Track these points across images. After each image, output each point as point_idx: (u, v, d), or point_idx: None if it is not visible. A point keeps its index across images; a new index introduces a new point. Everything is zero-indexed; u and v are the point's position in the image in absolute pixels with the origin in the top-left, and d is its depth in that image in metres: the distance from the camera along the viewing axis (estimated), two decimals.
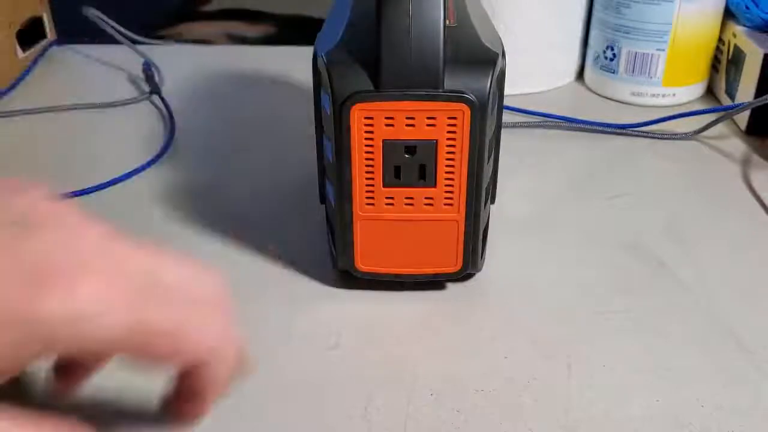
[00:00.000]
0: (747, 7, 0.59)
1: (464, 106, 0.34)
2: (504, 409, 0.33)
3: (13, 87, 0.66)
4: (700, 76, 0.63)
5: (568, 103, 0.64)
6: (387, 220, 0.38)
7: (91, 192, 0.50)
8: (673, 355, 0.36)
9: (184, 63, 0.72)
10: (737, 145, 0.56)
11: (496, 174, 0.41)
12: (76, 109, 0.62)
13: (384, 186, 0.37)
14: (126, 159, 0.54)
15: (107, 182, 0.51)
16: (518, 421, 0.33)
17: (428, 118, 0.35)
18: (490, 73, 0.35)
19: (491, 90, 0.35)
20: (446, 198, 0.37)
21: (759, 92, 0.56)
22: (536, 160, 0.54)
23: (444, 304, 0.40)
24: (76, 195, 0.49)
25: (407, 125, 0.35)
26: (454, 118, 0.35)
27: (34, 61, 0.70)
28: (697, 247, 0.44)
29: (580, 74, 0.68)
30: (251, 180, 0.51)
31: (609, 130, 0.58)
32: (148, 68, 0.67)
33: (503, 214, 0.47)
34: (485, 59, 0.35)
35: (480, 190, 0.37)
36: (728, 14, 0.62)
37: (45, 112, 0.62)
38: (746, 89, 0.58)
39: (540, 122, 0.59)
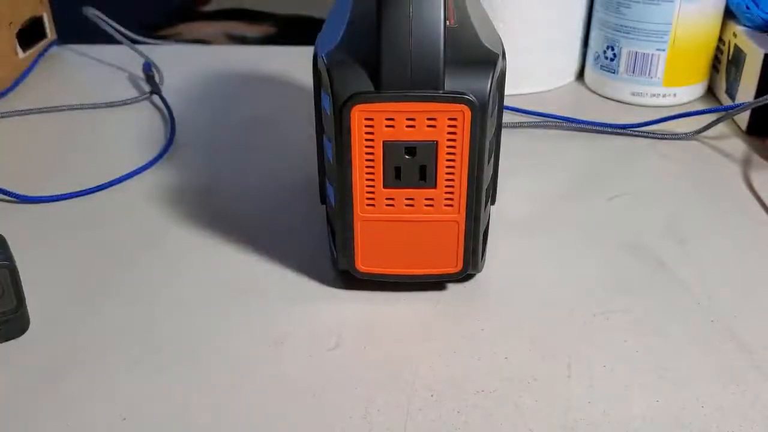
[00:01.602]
0: (747, 7, 0.59)
1: (464, 107, 0.34)
2: (504, 409, 0.33)
3: (13, 87, 0.66)
4: (700, 76, 0.63)
5: (568, 103, 0.64)
6: (387, 221, 0.38)
7: (92, 192, 0.50)
8: (673, 355, 0.36)
9: (184, 63, 0.72)
10: (737, 145, 0.56)
11: (497, 175, 0.41)
12: (76, 109, 0.62)
13: (384, 187, 0.37)
14: (126, 159, 0.54)
15: (108, 182, 0.51)
16: (518, 421, 0.33)
17: (429, 119, 0.35)
18: (491, 74, 0.35)
19: (491, 91, 0.35)
20: (446, 199, 0.37)
21: (759, 92, 0.56)
22: (536, 160, 0.54)
23: (444, 304, 0.40)
24: (77, 195, 0.49)
25: (408, 126, 0.35)
26: (455, 119, 0.35)
27: (34, 61, 0.70)
28: (697, 247, 0.44)
29: (580, 74, 0.68)
30: (251, 180, 0.51)
31: (609, 130, 0.58)
32: (149, 68, 0.67)
33: (504, 214, 0.47)
34: (485, 60, 0.35)
35: (480, 191, 0.37)
36: (728, 14, 0.62)
37: (45, 112, 0.62)
38: (746, 89, 0.58)
39: (540, 122, 0.59)
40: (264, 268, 0.42)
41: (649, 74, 0.61)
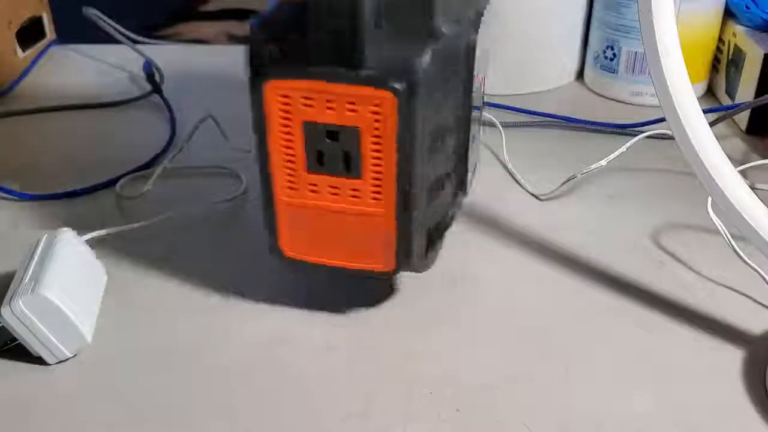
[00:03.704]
0: (747, 7, 0.59)
1: (388, 94, 0.29)
2: (503, 408, 0.33)
3: (13, 87, 0.66)
4: (700, 76, 0.63)
5: (567, 102, 0.64)
6: (312, 208, 0.34)
7: (92, 192, 0.50)
8: (673, 355, 0.36)
9: (184, 63, 0.71)
10: (737, 145, 0.56)
11: (466, 162, 0.37)
12: (76, 109, 0.62)
13: (308, 171, 0.33)
14: (126, 159, 0.54)
15: (107, 181, 0.51)
16: (517, 420, 0.33)
17: (349, 103, 0.30)
18: (427, 52, 0.29)
19: (427, 72, 0.30)
20: (374, 191, 0.32)
21: (759, 92, 0.56)
22: (536, 160, 0.54)
23: (443, 303, 0.40)
24: (77, 194, 0.49)
25: (328, 108, 0.31)
26: (378, 105, 0.30)
27: (34, 61, 0.70)
28: (697, 246, 0.44)
29: (580, 74, 0.68)
30: (251, 179, 0.51)
31: (609, 130, 0.58)
32: (149, 68, 0.67)
33: (503, 213, 0.47)
34: (423, 33, 0.30)
35: (414, 186, 0.32)
36: (728, 14, 0.62)
37: (45, 112, 0.62)
38: (746, 89, 0.58)
39: (540, 122, 0.59)
40: (264, 266, 0.42)
41: (648, 74, 0.61)
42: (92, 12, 0.70)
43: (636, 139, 0.51)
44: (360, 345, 0.37)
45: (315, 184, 0.33)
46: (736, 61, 0.60)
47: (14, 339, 0.35)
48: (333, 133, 0.31)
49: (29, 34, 0.70)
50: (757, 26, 0.59)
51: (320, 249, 0.35)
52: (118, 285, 0.41)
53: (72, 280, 0.36)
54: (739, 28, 0.60)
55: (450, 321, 0.38)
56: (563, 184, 0.49)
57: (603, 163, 0.48)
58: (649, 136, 0.54)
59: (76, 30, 0.73)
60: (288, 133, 0.32)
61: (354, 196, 0.33)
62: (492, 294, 0.40)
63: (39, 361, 0.35)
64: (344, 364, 0.36)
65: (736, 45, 0.60)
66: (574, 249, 0.44)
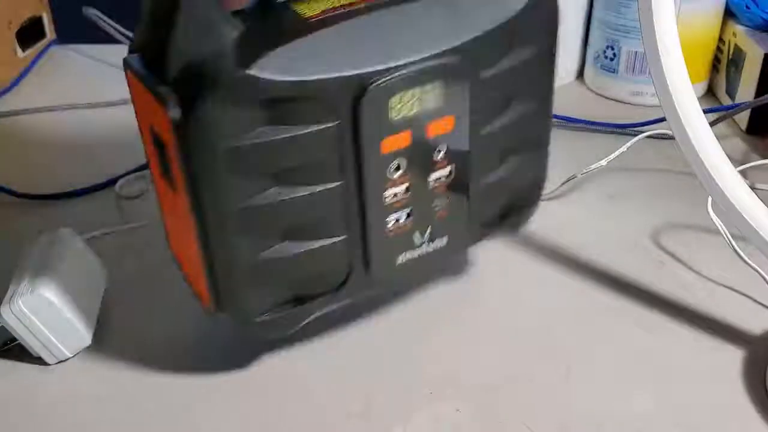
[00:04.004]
0: (747, 7, 0.59)
1: (166, 117, 0.24)
2: (503, 408, 0.33)
3: (13, 86, 0.66)
4: (700, 76, 0.63)
5: (568, 102, 0.64)
6: (167, 211, 0.31)
7: (92, 192, 0.50)
8: (673, 355, 0.36)
9: None
10: (737, 145, 0.56)
11: (364, 235, 0.30)
12: (76, 109, 0.62)
13: (158, 173, 0.30)
14: (126, 158, 0.54)
15: (107, 181, 0.50)
16: (518, 420, 0.33)
17: (159, 114, 0.26)
18: (227, 83, 0.23)
19: (222, 103, 0.23)
20: (187, 215, 0.28)
21: (759, 92, 0.56)
22: None
23: (444, 303, 0.40)
24: (77, 194, 0.49)
25: (152, 113, 0.27)
26: (163, 123, 0.26)
27: (34, 61, 0.70)
28: (697, 246, 0.44)
29: (580, 74, 0.68)
30: None
31: (609, 130, 0.58)
32: None
33: None
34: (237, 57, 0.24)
35: (210, 219, 0.27)
36: (728, 14, 0.62)
37: (45, 112, 0.62)
38: (746, 89, 0.58)
39: None
40: None
41: (648, 74, 0.61)
42: (92, 12, 0.70)
43: (636, 139, 0.51)
44: (360, 345, 0.37)
45: (164, 191, 0.30)
46: (736, 61, 0.60)
47: (14, 339, 0.35)
48: (159, 141, 0.27)
49: (29, 34, 0.70)
50: (757, 26, 0.59)
51: (179, 254, 0.33)
52: (117, 285, 0.41)
53: (72, 280, 0.36)
54: (739, 28, 0.60)
55: (450, 321, 0.38)
56: (563, 184, 0.49)
57: (603, 163, 0.48)
58: (649, 136, 0.54)
59: (76, 30, 0.73)
60: (143, 130, 0.30)
61: (179, 214, 0.28)
62: (492, 294, 0.40)
63: (39, 361, 0.35)
64: (344, 364, 0.36)
65: (736, 45, 0.60)
66: (574, 249, 0.44)
